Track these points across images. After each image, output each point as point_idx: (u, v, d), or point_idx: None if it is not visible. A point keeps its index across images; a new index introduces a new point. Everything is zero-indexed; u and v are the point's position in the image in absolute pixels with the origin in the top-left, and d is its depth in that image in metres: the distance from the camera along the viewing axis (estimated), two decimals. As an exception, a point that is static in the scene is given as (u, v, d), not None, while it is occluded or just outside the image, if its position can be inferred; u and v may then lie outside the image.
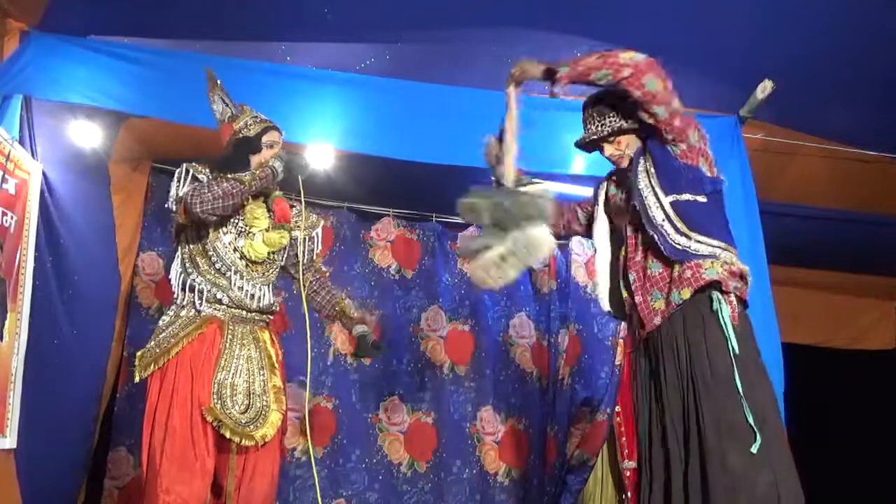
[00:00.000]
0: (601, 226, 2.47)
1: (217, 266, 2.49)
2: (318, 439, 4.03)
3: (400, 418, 4.19)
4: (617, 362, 4.28)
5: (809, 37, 2.87)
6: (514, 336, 4.42)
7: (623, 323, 4.32)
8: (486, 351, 4.37)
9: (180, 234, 2.54)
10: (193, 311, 2.47)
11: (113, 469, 3.67)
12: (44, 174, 3.04)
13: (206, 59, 3.06)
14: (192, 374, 2.37)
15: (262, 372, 2.52)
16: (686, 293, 2.12)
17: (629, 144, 2.35)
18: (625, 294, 2.31)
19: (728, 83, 3.17)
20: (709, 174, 2.25)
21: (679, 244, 2.15)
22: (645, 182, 2.24)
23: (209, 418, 2.34)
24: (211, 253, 2.49)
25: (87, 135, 3.35)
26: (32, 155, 2.97)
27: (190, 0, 2.91)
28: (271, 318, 2.66)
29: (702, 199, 2.20)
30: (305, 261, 2.71)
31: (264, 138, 2.59)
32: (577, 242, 4.46)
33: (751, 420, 1.98)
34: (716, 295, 2.11)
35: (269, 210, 2.62)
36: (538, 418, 4.30)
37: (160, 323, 2.50)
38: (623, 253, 2.32)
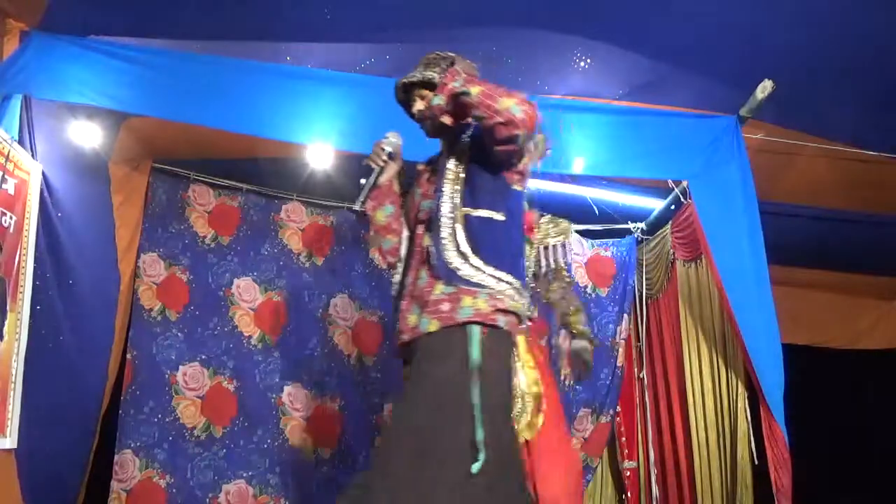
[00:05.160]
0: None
1: None
2: (325, 441, 4.01)
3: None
4: (618, 364, 4.27)
5: (809, 37, 2.87)
6: None
7: (623, 324, 4.35)
8: None
9: None
10: None
11: (120, 471, 3.67)
12: (43, 174, 3.04)
13: (206, 59, 3.07)
14: None
15: None
16: (433, 325, 1.93)
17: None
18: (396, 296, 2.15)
19: (728, 83, 3.17)
20: (517, 188, 2.08)
21: (451, 263, 1.95)
22: (450, 187, 2.04)
23: None
24: None
25: (87, 135, 3.35)
26: (32, 155, 2.97)
27: (190, 0, 2.91)
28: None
29: (499, 216, 2.02)
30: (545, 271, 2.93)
31: None
32: (577, 242, 4.44)
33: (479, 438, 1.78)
34: (470, 328, 1.89)
35: None
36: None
37: None
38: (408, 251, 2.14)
